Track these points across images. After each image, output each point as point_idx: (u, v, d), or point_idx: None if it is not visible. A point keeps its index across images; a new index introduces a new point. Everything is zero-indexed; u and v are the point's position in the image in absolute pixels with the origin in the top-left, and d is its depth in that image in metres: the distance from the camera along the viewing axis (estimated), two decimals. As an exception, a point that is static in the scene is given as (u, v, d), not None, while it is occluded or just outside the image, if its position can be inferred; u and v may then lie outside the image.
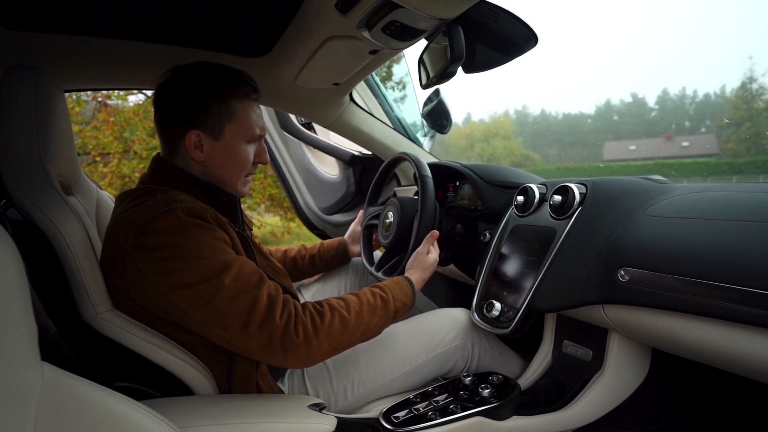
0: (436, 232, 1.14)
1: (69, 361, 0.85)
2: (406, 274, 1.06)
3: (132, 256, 0.78)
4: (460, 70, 1.00)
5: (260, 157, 0.98)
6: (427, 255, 1.12)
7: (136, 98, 5.90)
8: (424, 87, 1.04)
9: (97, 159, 6.06)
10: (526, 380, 1.12)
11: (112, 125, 5.80)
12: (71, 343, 0.86)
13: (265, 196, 6.24)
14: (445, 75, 0.91)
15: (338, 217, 2.07)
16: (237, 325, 0.77)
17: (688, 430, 1.02)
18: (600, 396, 1.00)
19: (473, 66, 0.95)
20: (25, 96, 0.82)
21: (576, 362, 1.08)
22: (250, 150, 0.95)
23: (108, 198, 1.17)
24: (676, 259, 0.78)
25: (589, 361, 1.05)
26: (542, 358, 1.14)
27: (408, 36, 0.90)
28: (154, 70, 1.02)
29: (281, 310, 0.80)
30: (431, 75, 0.99)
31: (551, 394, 1.07)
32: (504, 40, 0.92)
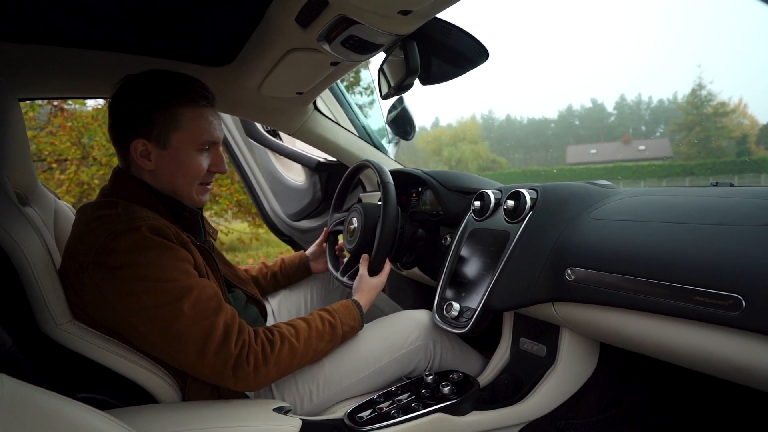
0: (366, 255, 1.19)
1: (27, 374, 0.84)
2: (355, 297, 1.11)
3: (93, 274, 0.78)
4: (417, 81, 1.05)
5: (216, 167, 0.96)
6: (371, 276, 1.17)
7: (95, 102, 5.70)
8: (384, 97, 1.08)
9: (54, 166, 5.80)
10: (485, 377, 1.17)
11: (69, 130, 5.59)
12: (29, 356, 0.85)
13: (232, 202, 6.13)
14: (402, 87, 0.96)
15: (305, 223, 2.09)
16: (192, 351, 0.79)
17: (634, 418, 1.10)
18: (553, 389, 1.05)
19: (429, 78, 1.00)
20: None
21: (531, 358, 1.13)
22: (202, 158, 0.94)
23: (66, 208, 1.15)
24: (616, 258, 0.85)
25: (544, 356, 1.11)
26: (501, 355, 1.19)
27: (366, 50, 0.94)
28: (116, 80, 1.02)
29: (236, 338, 0.83)
30: (390, 86, 1.03)
31: (509, 389, 1.12)
32: (457, 54, 0.97)
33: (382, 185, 1.18)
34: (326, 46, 0.94)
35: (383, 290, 1.89)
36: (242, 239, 6.78)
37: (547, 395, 1.06)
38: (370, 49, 0.94)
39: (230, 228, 6.90)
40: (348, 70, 1.14)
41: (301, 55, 1.02)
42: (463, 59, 0.98)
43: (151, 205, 0.90)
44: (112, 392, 0.84)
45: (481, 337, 1.12)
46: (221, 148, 1.01)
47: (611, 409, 1.08)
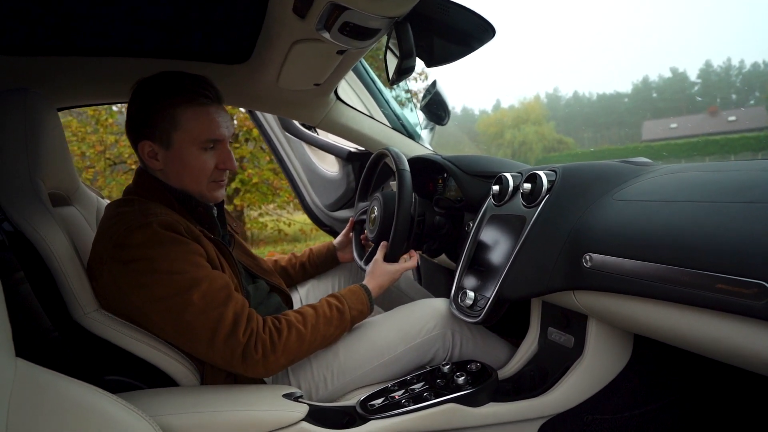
0: (385, 243, 1.18)
1: (66, 359, 0.93)
2: (364, 282, 1.11)
3: (110, 267, 0.85)
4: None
5: (224, 164, 0.97)
6: (384, 262, 1.15)
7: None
8: (390, 84, 1.05)
9: (134, 167, 6.38)
10: (510, 368, 1.12)
11: (144, 134, 6.08)
12: (67, 341, 0.94)
13: (292, 195, 6.38)
14: (402, 71, 0.93)
15: (343, 213, 2.11)
16: (203, 339, 0.84)
17: (670, 416, 1.01)
18: (579, 382, 0.99)
19: (433, 60, 0.96)
20: (15, 118, 0.90)
21: (559, 349, 1.07)
22: (207, 156, 0.95)
23: (107, 206, 1.25)
24: (634, 243, 0.78)
25: (571, 347, 1.04)
26: (528, 346, 1.14)
27: (365, 35, 0.92)
28: None
29: (245, 327, 0.86)
30: (392, 72, 1.00)
31: (535, 382, 1.07)
32: (460, 33, 0.92)
33: (397, 172, 1.17)
34: (326, 35, 0.93)
35: (419, 281, 1.88)
36: (303, 230, 7.03)
37: (573, 388, 1.00)
38: (369, 35, 0.92)
39: (292, 219, 7.17)
40: (358, 58, 1.13)
41: (306, 46, 1.02)
42: (468, 37, 0.93)
43: (167, 202, 0.95)
44: (137, 375, 0.91)
45: (510, 324, 1.07)
46: (234, 144, 1.03)
47: (645, 405, 1.00)
